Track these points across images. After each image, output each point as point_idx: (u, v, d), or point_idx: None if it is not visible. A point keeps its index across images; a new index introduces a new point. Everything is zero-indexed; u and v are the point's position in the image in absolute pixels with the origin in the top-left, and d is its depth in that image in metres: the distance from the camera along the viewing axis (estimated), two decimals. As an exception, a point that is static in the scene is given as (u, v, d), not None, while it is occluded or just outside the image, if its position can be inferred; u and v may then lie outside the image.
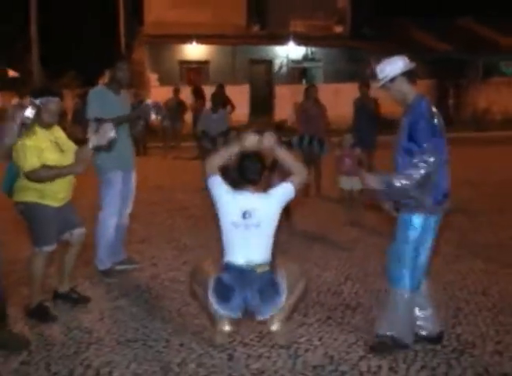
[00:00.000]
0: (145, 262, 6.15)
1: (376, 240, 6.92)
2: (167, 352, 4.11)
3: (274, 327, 4.20)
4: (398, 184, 3.73)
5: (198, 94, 15.47)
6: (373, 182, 3.84)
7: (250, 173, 4.13)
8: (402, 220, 3.98)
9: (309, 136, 9.56)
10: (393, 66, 3.93)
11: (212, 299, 4.11)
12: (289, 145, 7.83)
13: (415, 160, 3.71)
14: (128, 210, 5.78)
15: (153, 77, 24.34)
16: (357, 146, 7.82)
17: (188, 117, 16.16)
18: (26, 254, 6.20)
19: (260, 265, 4.09)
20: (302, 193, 9.46)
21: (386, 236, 7.00)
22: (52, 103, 4.50)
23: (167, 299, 5.14)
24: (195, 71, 25.26)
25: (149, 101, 5.81)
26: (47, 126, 4.58)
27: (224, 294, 4.07)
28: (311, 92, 10.05)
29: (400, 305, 3.98)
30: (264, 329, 4.40)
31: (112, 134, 4.61)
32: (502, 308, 4.83)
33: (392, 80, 3.92)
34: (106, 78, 26.09)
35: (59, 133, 4.74)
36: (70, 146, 4.73)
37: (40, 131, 4.52)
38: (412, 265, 3.95)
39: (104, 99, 5.41)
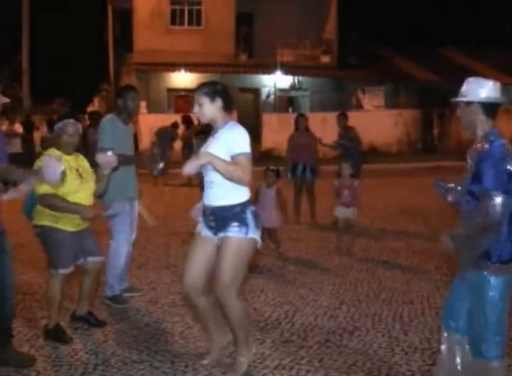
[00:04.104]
0: (143, 287, 6.26)
1: (367, 266, 7.13)
2: (173, 373, 4.22)
3: None
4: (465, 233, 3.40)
5: (188, 122, 15.68)
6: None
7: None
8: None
9: (302, 165, 9.83)
10: (475, 90, 3.38)
11: (256, 232, 4.13)
12: (277, 174, 7.90)
13: (480, 205, 3.22)
14: (133, 237, 5.91)
15: (141, 105, 24.56)
16: (355, 176, 7.89)
17: (177, 144, 16.38)
18: (28, 277, 6.34)
19: None
20: (293, 219, 9.68)
21: (376, 263, 7.25)
22: (69, 125, 4.71)
23: (168, 323, 5.25)
24: (183, 99, 25.53)
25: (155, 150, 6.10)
26: (68, 151, 4.75)
27: (258, 221, 4.17)
28: (301, 122, 9.97)
29: None
30: (266, 351, 4.56)
31: (114, 163, 4.87)
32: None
33: (468, 104, 3.40)
34: (95, 105, 26.07)
35: (82, 162, 4.91)
36: (91, 176, 4.89)
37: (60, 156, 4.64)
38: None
39: (115, 129, 5.57)
